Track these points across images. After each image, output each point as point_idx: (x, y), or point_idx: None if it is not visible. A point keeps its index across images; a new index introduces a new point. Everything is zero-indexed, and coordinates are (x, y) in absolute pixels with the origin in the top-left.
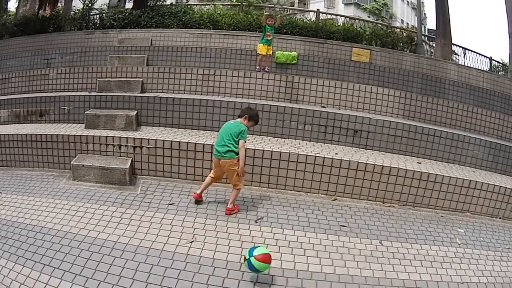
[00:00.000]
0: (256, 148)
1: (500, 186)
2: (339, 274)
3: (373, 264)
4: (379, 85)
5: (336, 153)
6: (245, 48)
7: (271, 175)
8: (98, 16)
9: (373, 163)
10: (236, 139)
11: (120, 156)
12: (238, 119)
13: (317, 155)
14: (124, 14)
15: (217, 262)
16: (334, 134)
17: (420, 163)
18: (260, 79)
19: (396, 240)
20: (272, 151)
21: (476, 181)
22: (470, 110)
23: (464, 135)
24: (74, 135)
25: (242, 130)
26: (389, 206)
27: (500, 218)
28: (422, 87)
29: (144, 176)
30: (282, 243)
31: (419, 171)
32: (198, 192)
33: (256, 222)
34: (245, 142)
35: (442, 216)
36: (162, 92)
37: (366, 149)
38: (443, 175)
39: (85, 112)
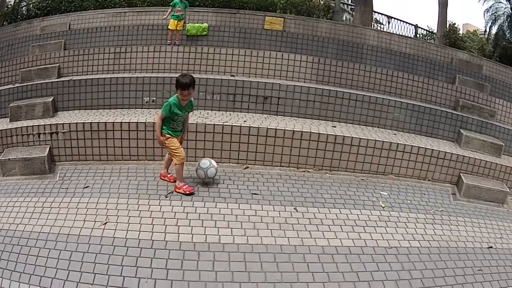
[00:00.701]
0: (153, 121)
1: (426, 148)
2: (252, 244)
3: (288, 231)
4: (291, 52)
5: (245, 121)
6: (158, 23)
7: None
8: (25, 7)
9: (283, 128)
10: None
11: (40, 144)
12: None
13: (224, 123)
14: (47, 1)
15: (130, 242)
16: (244, 102)
17: (335, 127)
18: (170, 53)
19: (312, 206)
20: None
21: (398, 143)
22: (390, 74)
23: (383, 98)
24: (0, 130)
25: (165, 103)
26: (304, 171)
27: (429, 180)
28: (338, 53)
29: (63, 162)
30: (192, 216)
31: (333, 135)
32: (162, 171)
33: (166, 197)
34: (162, 115)
35: (362, 179)
36: (77, 75)
37: (277, 115)
38: (360, 138)
39: (9, 105)
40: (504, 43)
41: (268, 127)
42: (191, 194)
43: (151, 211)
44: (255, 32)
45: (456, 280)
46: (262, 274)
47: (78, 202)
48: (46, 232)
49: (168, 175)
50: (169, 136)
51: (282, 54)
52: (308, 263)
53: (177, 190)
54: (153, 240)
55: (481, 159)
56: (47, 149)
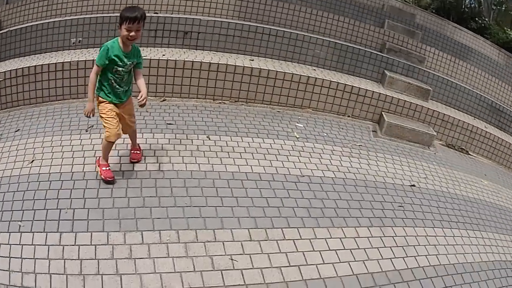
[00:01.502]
0: (86, 59)
1: (346, 84)
2: (164, 171)
3: (199, 158)
4: None
5: (163, 55)
6: None
7: None
8: None
9: (199, 61)
10: None
11: None
12: None
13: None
14: None
15: (53, 176)
16: (164, 38)
17: (252, 60)
18: None
19: (225, 134)
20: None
21: (316, 78)
22: (315, 14)
23: (304, 35)
24: None
25: (100, 49)
26: (220, 103)
27: (349, 116)
28: None
29: None
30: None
31: (249, 67)
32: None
33: (87, 131)
34: (97, 67)
35: (278, 112)
36: (15, 26)
37: (196, 49)
38: (277, 71)
39: None
40: None
41: (185, 59)
42: (107, 182)
43: (72, 145)
44: None
45: (373, 213)
46: (171, 199)
47: (10, 146)
48: None
49: (136, 151)
50: (103, 100)
51: None
52: (217, 187)
53: (98, 165)
54: (72, 172)
55: (405, 100)
56: None
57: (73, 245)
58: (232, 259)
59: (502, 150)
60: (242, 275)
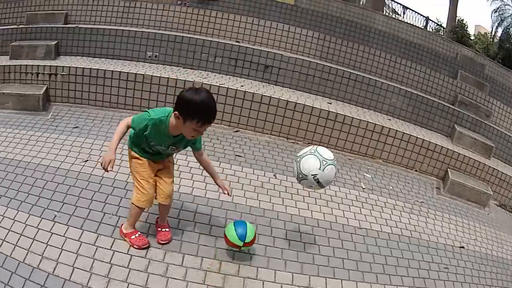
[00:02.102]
0: (161, 75)
1: (417, 137)
2: (222, 201)
3: (261, 195)
4: (299, 26)
5: (242, 85)
6: None
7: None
8: None
9: (277, 97)
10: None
11: (37, 84)
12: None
13: (220, 85)
14: None
15: (105, 180)
16: (244, 68)
17: (330, 103)
18: (179, 12)
19: (292, 175)
20: (176, 79)
21: (390, 128)
22: (393, 60)
23: (382, 82)
24: None
25: (144, 114)
26: (293, 142)
27: (416, 170)
28: (346, 33)
29: (58, 103)
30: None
31: (326, 110)
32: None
33: None
34: (131, 122)
35: (349, 159)
36: (84, 24)
37: (276, 85)
38: (353, 117)
39: (11, 44)
40: (508, 45)
41: (263, 94)
42: (141, 249)
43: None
44: (265, 3)
45: (419, 273)
46: (221, 229)
47: (65, 140)
48: (35, 162)
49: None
50: (137, 155)
51: (289, 27)
52: (272, 227)
53: (123, 236)
54: (127, 182)
55: (470, 157)
56: (44, 88)
57: (108, 249)
58: None
59: None
60: None
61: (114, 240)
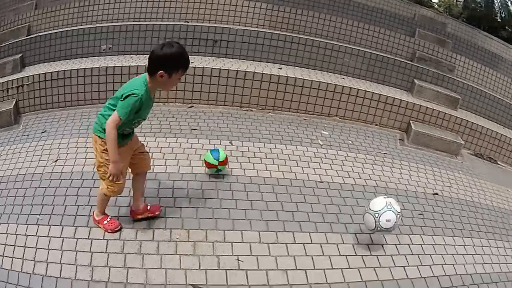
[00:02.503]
0: (115, 65)
1: (373, 93)
2: (182, 173)
3: None
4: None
5: (192, 62)
6: None
7: None
8: None
9: (227, 68)
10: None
11: (8, 99)
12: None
13: None
14: None
15: (74, 175)
16: (194, 46)
17: (281, 68)
18: (129, 2)
19: (248, 140)
20: (129, 67)
21: (343, 86)
22: (345, 23)
23: (334, 44)
24: None
25: (127, 94)
26: (247, 110)
27: (376, 125)
28: (297, 1)
29: (27, 113)
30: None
31: (277, 75)
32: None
33: None
34: (120, 119)
35: (304, 119)
36: (44, 31)
37: (226, 57)
38: (304, 79)
39: None
40: (473, 5)
41: (213, 67)
42: (115, 232)
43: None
44: None
45: None
46: (187, 200)
47: (36, 145)
48: (14, 174)
49: (148, 207)
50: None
51: (237, 1)
52: (233, 191)
53: (97, 224)
54: (94, 171)
55: (433, 109)
56: (14, 102)
57: (86, 238)
58: (238, 260)
59: None
60: (247, 276)
61: (90, 229)
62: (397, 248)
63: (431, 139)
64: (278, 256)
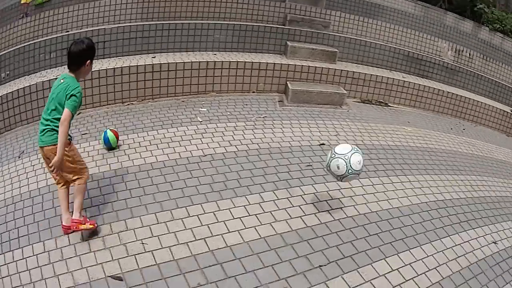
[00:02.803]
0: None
1: (245, 62)
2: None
3: (109, 159)
4: None
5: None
6: None
7: None
8: None
9: (105, 68)
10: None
11: None
12: (69, 73)
13: (56, 76)
14: None
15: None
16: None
17: (154, 57)
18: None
19: (132, 132)
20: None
21: (215, 61)
22: (213, 0)
23: (202, 23)
24: None
25: (71, 93)
26: (128, 104)
27: (253, 92)
28: None
29: None
30: None
31: (150, 64)
32: (63, 222)
33: (19, 157)
34: (72, 114)
35: (183, 101)
36: None
37: (104, 58)
38: (176, 62)
39: None
40: None
41: (92, 70)
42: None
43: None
44: None
45: (278, 176)
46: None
47: None
48: None
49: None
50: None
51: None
52: (126, 182)
53: (80, 228)
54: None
55: (309, 66)
56: None
57: None
58: (143, 243)
59: (426, 96)
60: (153, 256)
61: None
62: (290, 201)
63: (310, 95)
64: (176, 231)
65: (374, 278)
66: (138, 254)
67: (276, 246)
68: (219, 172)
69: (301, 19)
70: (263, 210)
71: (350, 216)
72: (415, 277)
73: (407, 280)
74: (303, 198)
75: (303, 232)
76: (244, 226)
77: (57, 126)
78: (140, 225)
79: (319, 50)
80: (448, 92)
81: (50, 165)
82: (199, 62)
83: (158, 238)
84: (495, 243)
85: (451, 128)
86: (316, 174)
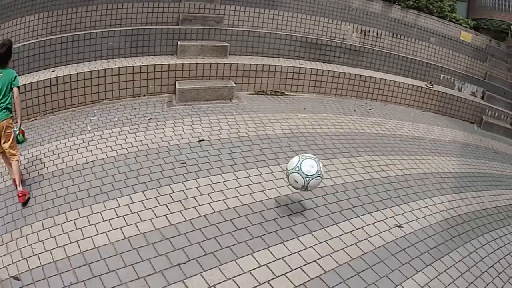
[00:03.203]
0: None
1: (134, 66)
2: None
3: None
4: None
5: None
6: None
7: None
8: None
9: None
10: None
11: None
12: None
13: None
14: None
15: None
16: None
17: (53, 71)
18: None
19: (32, 147)
20: None
21: (106, 69)
22: (110, 8)
23: (97, 32)
24: None
25: (15, 76)
26: (33, 120)
27: (144, 95)
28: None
29: None
30: None
31: (48, 79)
32: (19, 189)
33: None
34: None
35: (78, 112)
36: None
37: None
38: (70, 74)
39: None
40: None
41: None
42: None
43: None
44: None
45: (150, 177)
46: None
47: None
48: None
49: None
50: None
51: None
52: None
53: (26, 197)
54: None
55: (197, 63)
56: None
57: None
58: (32, 248)
59: (326, 80)
60: (39, 258)
61: None
62: (157, 200)
63: (198, 92)
64: (56, 236)
65: (238, 275)
66: (29, 257)
67: (138, 245)
68: (97, 177)
69: (193, 17)
70: (131, 211)
71: (218, 211)
72: (288, 272)
73: (277, 276)
74: (171, 197)
75: (166, 231)
76: (112, 227)
77: (8, 105)
78: (30, 231)
79: (209, 46)
80: (351, 74)
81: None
82: (91, 71)
83: (43, 242)
84: (399, 226)
85: (355, 110)
86: (188, 171)
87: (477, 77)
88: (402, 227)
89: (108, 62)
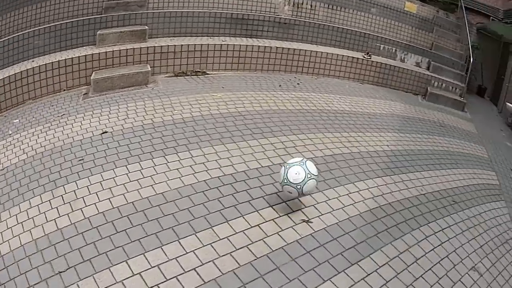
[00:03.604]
0: None
1: (53, 62)
2: None
3: None
4: None
5: None
6: None
7: None
8: None
9: None
10: None
11: None
12: None
13: None
14: None
15: None
16: None
17: None
18: None
19: None
20: None
21: (27, 69)
22: (30, 10)
23: (24, 33)
24: None
25: None
26: None
27: (64, 90)
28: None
29: None
30: None
31: None
32: None
33: None
34: None
35: (5, 116)
36: None
37: None
38: (4, 78)
39: None
40: None
41: None
42: None
43: None
44: None
45: (49, 178)
46: None
47: None
48: None
49: None
50: None
51: None
52: None
53: None
54: None
55: (113, 50)
56: None
57: None
58: None
59: (251, 56)
60: None
61: None
62: (51, 204)
63: (112, 80)
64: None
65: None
66: None
67: (31, 253)
68: (8, 183)
69: (116, 4)
70: (28, 217)
71: (101, 212)
72: (162, 282)
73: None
74: (63, 198)
75: (53, 236)
76: (13, 235)
77: None
78: None
79: (127, 31)
80: (278, 47)
81: None
82: (15, 74)
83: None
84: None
85: (280, 85)
86: (84, 168)
87: (422, 47)
88: (311, 222)
89: (33, 61)
